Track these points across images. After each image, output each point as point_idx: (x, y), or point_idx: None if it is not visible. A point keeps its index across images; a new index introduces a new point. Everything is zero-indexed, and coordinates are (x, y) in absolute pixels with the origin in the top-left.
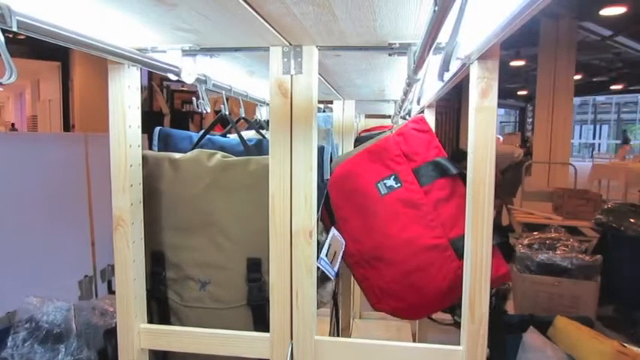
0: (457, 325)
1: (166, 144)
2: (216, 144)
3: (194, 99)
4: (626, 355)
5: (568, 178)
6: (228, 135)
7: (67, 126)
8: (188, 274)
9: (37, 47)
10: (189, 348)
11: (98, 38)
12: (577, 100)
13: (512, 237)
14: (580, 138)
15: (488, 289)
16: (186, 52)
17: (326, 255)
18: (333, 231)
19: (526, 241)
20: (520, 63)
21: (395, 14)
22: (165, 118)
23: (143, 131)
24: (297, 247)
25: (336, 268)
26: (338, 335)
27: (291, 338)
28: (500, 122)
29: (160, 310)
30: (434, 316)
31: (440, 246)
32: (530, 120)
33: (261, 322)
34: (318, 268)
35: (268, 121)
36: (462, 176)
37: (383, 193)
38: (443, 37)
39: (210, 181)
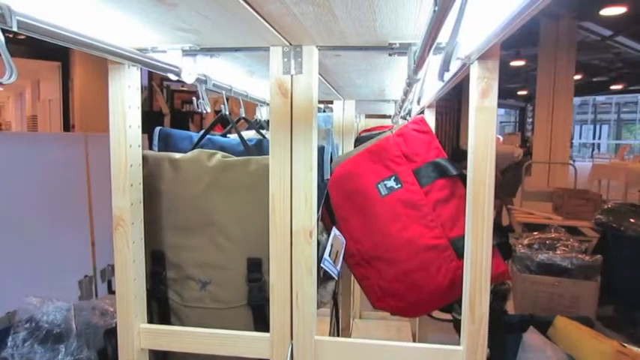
0: (455, 322)
1: (166, 144)
2: (216, 144)
3: (194, 99)
4: (626, 355)
5: (568, 178)
6: (228, 135)
7: (67, 126)
8: (188, 274)
9: (37, 47)
10: (189, 348)
11: (98, 38)
12: (577, 100)
13: (512, 237)
14: (580, 138)
15: (489, 289)
16: (187, 52)
17: (329, 255)
18: (335, 231)
19: (526, 241)
20: (520, 63)
21: (395, 14)
22: (166, 118)
23: (143, 131)
24: (297, 247)
25: (338, 268)
26: (338, 335)
27: (291, 338)
28: (500, 122)
29: (160, 310)
30: (433, 313)
31: (440, 246)
32: (530, 120)
33: (261, 322)
34: (321, 268)
35: (268, 121)
36: (462, 177)
37: (383, 193)
38: (443, 37)
39: (210, 181)
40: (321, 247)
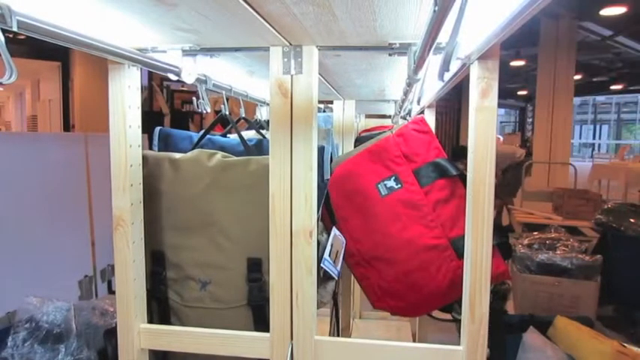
0: (456, 322)
1: (166, 144)
2: (216, 144)
3: (194, 99)
4: (626, 355)
5: (568, 178)
6: (228, 135)
7: (67, 126)
8: (188, 274)
9: (37, 47)
10: (189, 348)
11: (98, 38)
12: (577, 100)
13: (512, 237)
14: (580, 138)
15: (489, 289)
16: (187, 52)
17: (329, 255)
18: (335, 231)
19: (526, 241)
20: (520, 63)
21: (395, 14)
22: (166, 118)
23: (143, 131)
24: (297, 247)
25: (338, 268)
26: (338, 335)
27: (291, 338)
28: (501, 122)
29: (160, 310)
30: (433, 313)
31: (440, 246)
32: (530, 120)
33: (261, 322)
34: (321, 268)
35: (268, 121)
36: (462, 177)
37: (383, 194)
38: (443, 37)
39: (210, 181)
40: (321, 247)
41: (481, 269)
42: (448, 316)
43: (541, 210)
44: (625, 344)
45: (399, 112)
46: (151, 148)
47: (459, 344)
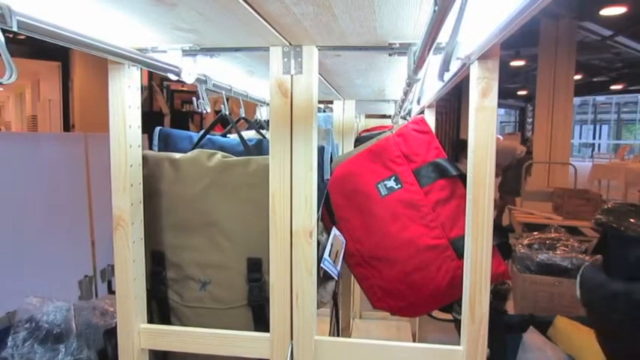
0: (456, 322)
1: (166, 144)
2: (216, 144)
3: (194, 99)
4: None
5: (568, 178)
6: (228, 135)
7: (67, 126)
8: (188, 274)
9: (37, 47)
10: (189, 348)
11: (98, 38)
12: (577, 100)
13: (512, 237)
14: (580, 138)
15: (489, 289)
16: (187, 52)
17: (329, 255)
18: (335, 231)
19: (526, 241)
20: (520, 63)
21: (395, 14)
22: (166, 118)
23: (143, 131)
24: (297, 247)
25: (338, 268)
26: (338, 335)
27: (291, 338)
28: (501, 122)
29: (160, 310)
30: (433, 313)
31: (440, 246)
32: (530, 120)
33: (261, 322)
34: (321, 268)
35: (268, 121)
36: (462, 177)
37: (383, 194)
38: (443, 37)
39: (210, 181)
40: (321, 247)
41: (481, 269)
42: (448, 316)
43: (541, 210)
44: None
45: (399, 112)
46: (150, 148)
47: (459, 344)
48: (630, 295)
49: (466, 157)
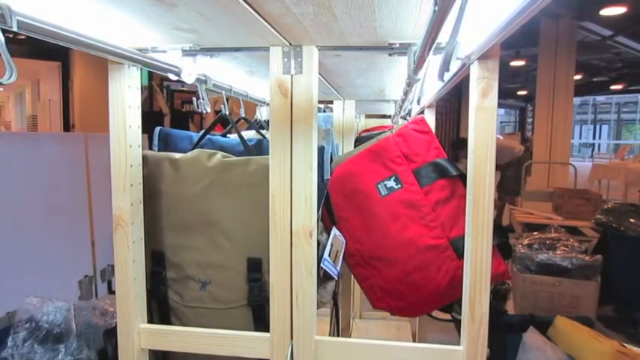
0: (456, 322)
1: (166, 144)
2: (216, 144)
3: (194, 99)
4: (626, 355)
5: (568, 178)
6: (228, 135)
7: (67, 126)
8: (188, 274)
9: (37, 47)
10: (189, 348)
11: (98, 38)
12: (577, 100)
13: (512, 237)
14: (580, 138)
15: (489, 289)
16: (187, 52)
17: (329, 255)
18: (335, 231)
19: (526, 241)
20: (520, 63)
21: (395, 14)
22: (166, 118)
23: (143, 131)
24: (297, 247)
25: (338, 268)
26: (338, 335)
27: (291, 338)
28: (501, 122)
29: (160, 310)
30: (433, 313)
31: (440, 246)
32: (530, 120)
33: (261, 322)
34: (321, 268)
35: (268, 121)
36: (462, 177)
37: (383, 194)
38: (443, 37)
39: (210, 181)
40: (321, 247)
41: (481, 269)
42: (448, 316)
43: (541, 210)
44: (625, 344)
45: (399, 112)
46: (150, 148)
47: (459, 344)
48: None
49: (466, 156)
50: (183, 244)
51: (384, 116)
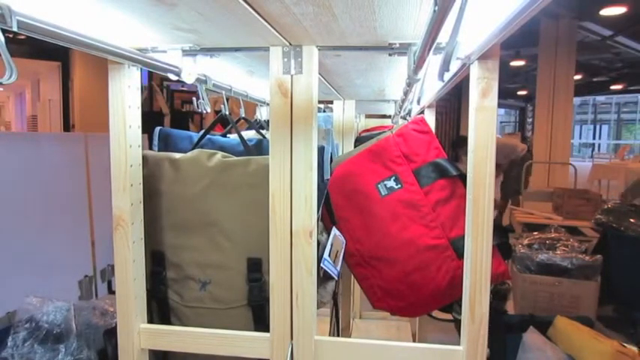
0: (456, 322)
1: (166, 144)
2: (216, 144)
3: (194, 99)
4: (626, 355)
5: (568, 178)
6: (228, 135)
7: (67, 126)
8: (188, 274)
9: (37, 47)
10: (189, 348)
11: (98, 38)
12: (577, 100)
13: (512, 237)
14: (580, 138)
15: (489, 289)
16: (187, 52)
17: (329, 255)
18: (335, 231)
19: (526, 241)
20: (520, 63)
21: (395, 14)
22: (166, 118)
23: (143, 131)
24: (297, 247)
25: (338, 268)
26: (338, 335)
27: (291, 338)
28: (501, 122)
29: (160, 310)
30: (433, 313)
31: (440, 246)
32: (530, 120)
33: (261, 322)
34: (321, 268)
35: (268, 121)
36: (462, 177)
37: (383, 194)
38: (443, 37)
39: (210, 181)
40: (321, 247)
41: (481, 269)
42: (448, 316)
43: (541, 210)
44: (625, 344)
45: (399, 112)
46: (150, 148)
47: (459, 344)
48: None
49: (466, 154)
50: (183, 244)
51: (384, 116)
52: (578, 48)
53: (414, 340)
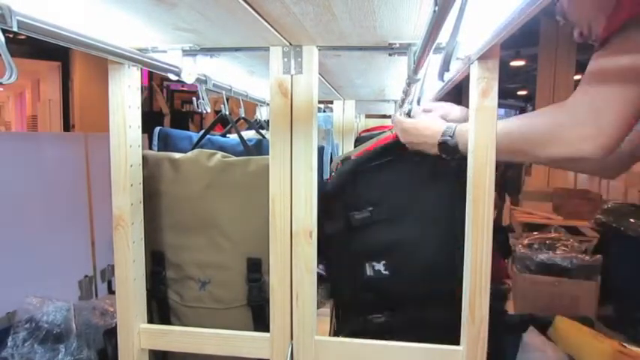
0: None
1: (166, 144)
2: (215, 144)
3: (194, 99)
4: (626, 355)
5: (568, 178)
6: (227, 135)
7: (67, 126)
8: (188, 274)
9: (37, 47)
10: (189, 348)
11: (98, 38)
12: None
13: (512, 237)
14: None
15: (489, 290)
16: (187, 52)
17: None
18: None
19: (526, 241)
20: (520, 63)
21: (395, 14)
22: (166, 118)
23: (143, 131)
24: (297, 247)
25: None
26: (338, 335)
27: (291, 338)
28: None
29: (160, 310)
30: None
31: None
32: None
33: (261, 322)
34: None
35: (268, 121)
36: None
37: None
38: (443, 37)
39: (210, 181)
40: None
41: (481, 269)
42: None
43: (541, 210)
44: (625, 344)
45: (399, 112)
46: (150, 148)
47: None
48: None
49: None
50: (183, 244)
51: (384, 116)
52: (578, 48)
53: None
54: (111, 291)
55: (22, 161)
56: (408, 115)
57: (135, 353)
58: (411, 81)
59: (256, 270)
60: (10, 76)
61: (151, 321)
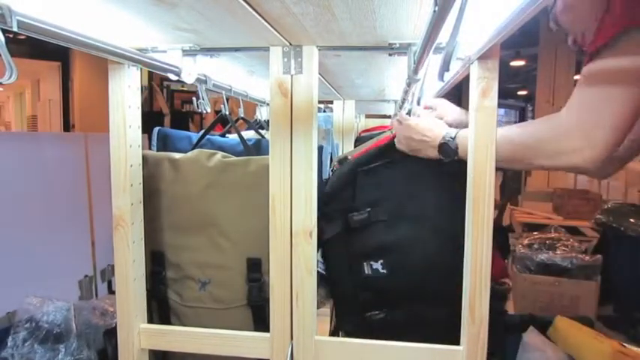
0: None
1: (165, 144)
2: (215, 144)
3: (194, 99)
4: (626, 355)
5: (568, 178)
6: (227, 135)
7: (67, 126)
8: (188, 274)
9: (37, 47)
10: (189, 348)
11: (98, 38)
12: None
13: (512, 237)
14: None
15: (489, 290)
16: (187, 52)
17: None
18: None
19: (526, 241)
20: (520, 63)
21: (395, 14)
22: (166, 118)
23: (143, 131)
24: (297, 247)
25: None
26: (338, 335)
27: (291, 338)
28: (500, 122)
29: (160, 310)
30: None
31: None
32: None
33: (261, 322)
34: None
35: (268, 121)
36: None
37: None
38: (443, 37)
39: (210, 181)
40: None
41: (481, 269)
42: None
43: (541, 210)
44: (625, 344)
45: (399, 112)
46: (150, 148)
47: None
48: None
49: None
50: (182, 244)
51: (384, 116)
52: (578, 48)
53: None
54: (111, 291)
55: (22, 161)
56: (408, 114)
57: (135, 353)
58: (411, 81)
59: (256, 270)
60: (10, 76)
61: (150, 321)
